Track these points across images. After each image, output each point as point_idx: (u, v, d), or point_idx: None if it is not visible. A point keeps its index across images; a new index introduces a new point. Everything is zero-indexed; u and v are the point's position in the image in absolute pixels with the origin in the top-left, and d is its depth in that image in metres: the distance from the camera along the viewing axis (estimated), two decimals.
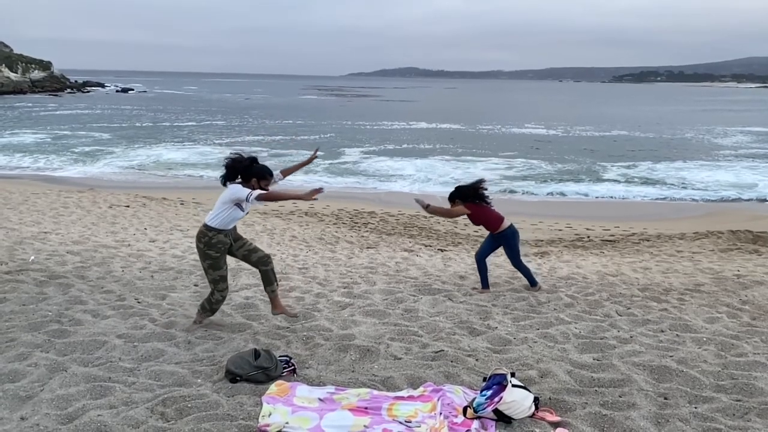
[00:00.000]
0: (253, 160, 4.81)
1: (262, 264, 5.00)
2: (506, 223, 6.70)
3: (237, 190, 4.64)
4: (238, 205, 4.72)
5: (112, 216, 12.06)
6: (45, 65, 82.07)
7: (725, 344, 4.90)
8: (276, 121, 46.09)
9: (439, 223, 13.67)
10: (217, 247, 4.79)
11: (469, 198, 6.56)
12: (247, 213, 4.91)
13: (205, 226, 4.79)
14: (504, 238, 6.72)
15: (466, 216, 6.66)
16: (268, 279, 5.04)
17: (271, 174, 4.86)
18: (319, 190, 4.49)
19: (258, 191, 4.58)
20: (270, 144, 30.55)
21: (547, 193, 19.05)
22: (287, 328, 5.14)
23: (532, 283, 6.87)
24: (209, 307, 5.01)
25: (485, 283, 6.80)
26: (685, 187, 20.07)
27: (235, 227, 4.94)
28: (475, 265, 6.95)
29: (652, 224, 14.29)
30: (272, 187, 4.94)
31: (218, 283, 4.91)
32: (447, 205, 6.75)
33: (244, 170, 4.75)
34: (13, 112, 46.89)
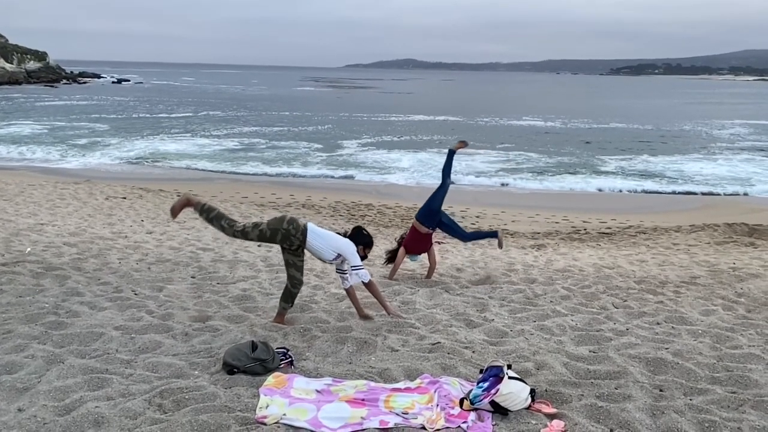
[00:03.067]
0: (360, 228, 5.25)
1: (292, 284, 5.01)
2: (421, 213, 7.01)
3: (354, 254, 4.97)
4: (338, 257, 4.95)
5: (109, 208, 12.03)
6: (41, 56, 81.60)
7: (720, 336, 4.93)
8: (273, 112, 45.93)
9: None
10: (287, 241, 4.85)
11: (399, 242, 7.14)
12: (326, 263, 5.16)
13: (304, 228, 4.84)
14: (434, 210, 6.87)
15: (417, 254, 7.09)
16: (287, 297, 5.05)
17: (373, 244, 5.28)
18: (399, 317, 5.19)
19: (365, 274, 5.00)
20: (268, 135, 30.47)
21: (544, 186, 19.07)
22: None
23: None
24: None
25: (494, 234, 7.12)
26: (682, 180, 20.10)
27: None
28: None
29: (649, 217, 14.32)
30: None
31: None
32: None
33: (354, 235, 5.12)
34: (8, 103, 46.64)
